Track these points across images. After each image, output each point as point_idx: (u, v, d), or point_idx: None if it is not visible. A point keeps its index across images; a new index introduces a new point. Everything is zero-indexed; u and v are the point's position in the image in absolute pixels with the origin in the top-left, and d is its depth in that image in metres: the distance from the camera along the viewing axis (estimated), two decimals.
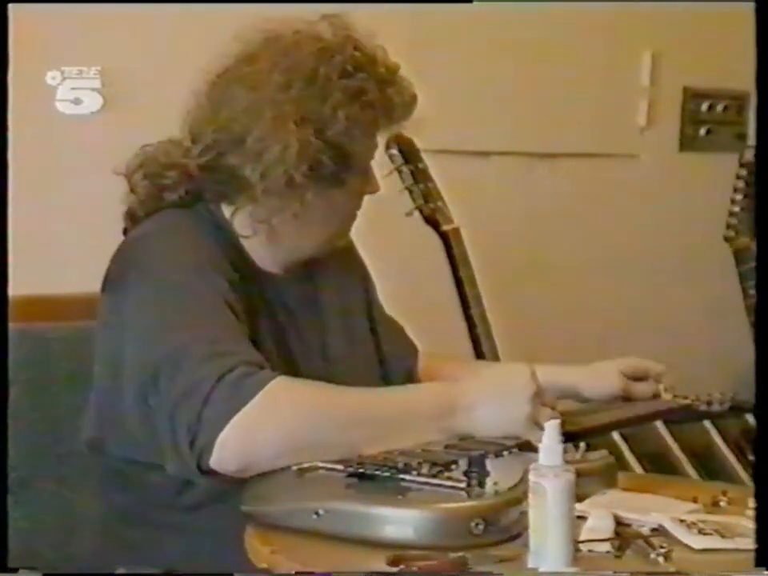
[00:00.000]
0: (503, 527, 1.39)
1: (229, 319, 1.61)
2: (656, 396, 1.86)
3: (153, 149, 1.77)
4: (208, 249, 1.69)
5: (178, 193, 1.74)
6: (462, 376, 1.77)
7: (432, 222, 2.52)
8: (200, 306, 1.62)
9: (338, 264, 1.86)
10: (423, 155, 2.45)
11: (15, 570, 1.64)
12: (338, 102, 1.67)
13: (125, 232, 1.79)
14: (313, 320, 1.80)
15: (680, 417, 1.94)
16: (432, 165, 2.50)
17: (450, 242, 2.52)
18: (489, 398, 1.60)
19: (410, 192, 2.49)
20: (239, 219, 1.73)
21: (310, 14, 1.73)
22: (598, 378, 1.91)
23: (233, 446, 1.49)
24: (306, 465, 1.49)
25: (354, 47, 1.71)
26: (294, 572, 1.34)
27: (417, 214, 2.51)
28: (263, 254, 1.75)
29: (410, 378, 1.92)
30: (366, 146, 1.73)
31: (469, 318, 2.49)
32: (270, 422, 1.51)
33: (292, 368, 1.67)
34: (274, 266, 1.77)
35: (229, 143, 1.69)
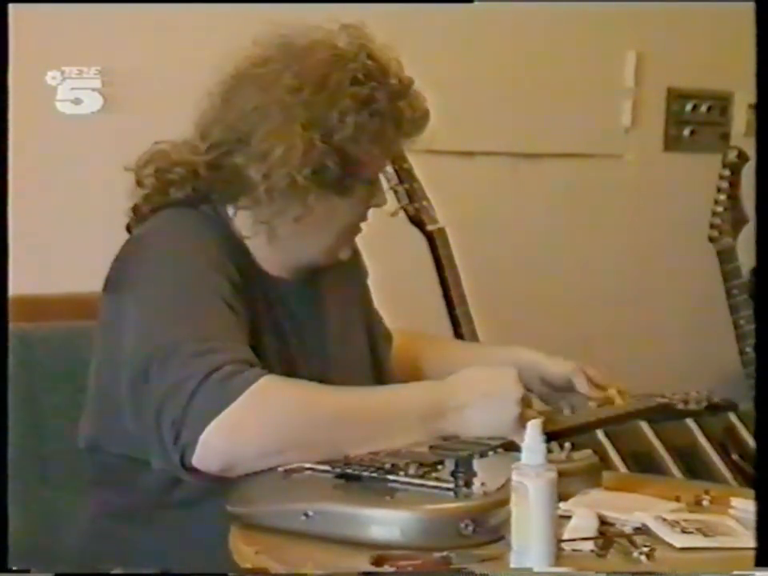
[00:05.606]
0: (492, 528, 1.39)
1: (224, 318, 1.61)
2: (609, 401, 1.85)
3: (164, 145, 1.77)
4: (211, 249, 1.68)
5: (185, 190, 1.74)
6: (441, 358, 1.90)
7: (417, 221, 2.53)
8: (196, 303, 1.61)
9: (341, 264, 1.84)
10: (408, 155, 2.45)
11: (11, 571, 1.63)
12: (346, 108, 1.67)
13: (128, 229, 1.78)
14: (313, 322, 1.80)
15: (659, 416, 1.94)
16: (417, 165, 2.50)
17: (435, 242, 2.53)
18: (478, 400, 1.59)
19: (395, 192, 2.49)
20: (241, 219, 1.73)
21: (325, 20, 1.73)
22: (556, 359, 1.90)
23: (215, 445, 1.49)
24: (292, 466, 1.48)
25: (367, 56, 1.71)
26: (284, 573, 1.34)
27: (402, 213, 2.52)
28: (267, 257, 1.75)
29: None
30: (373, 154, 1.72)
31: (453, 318, 2.50)
32: (254, 423, 1.51)
33: (291, 370, 1.67)
34: (277, 269, 1.77)
35: (235, 142, 1.69)
